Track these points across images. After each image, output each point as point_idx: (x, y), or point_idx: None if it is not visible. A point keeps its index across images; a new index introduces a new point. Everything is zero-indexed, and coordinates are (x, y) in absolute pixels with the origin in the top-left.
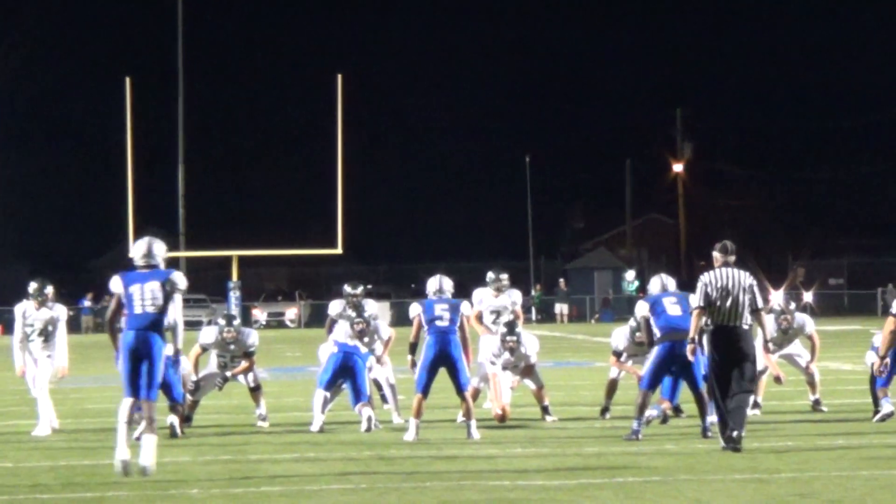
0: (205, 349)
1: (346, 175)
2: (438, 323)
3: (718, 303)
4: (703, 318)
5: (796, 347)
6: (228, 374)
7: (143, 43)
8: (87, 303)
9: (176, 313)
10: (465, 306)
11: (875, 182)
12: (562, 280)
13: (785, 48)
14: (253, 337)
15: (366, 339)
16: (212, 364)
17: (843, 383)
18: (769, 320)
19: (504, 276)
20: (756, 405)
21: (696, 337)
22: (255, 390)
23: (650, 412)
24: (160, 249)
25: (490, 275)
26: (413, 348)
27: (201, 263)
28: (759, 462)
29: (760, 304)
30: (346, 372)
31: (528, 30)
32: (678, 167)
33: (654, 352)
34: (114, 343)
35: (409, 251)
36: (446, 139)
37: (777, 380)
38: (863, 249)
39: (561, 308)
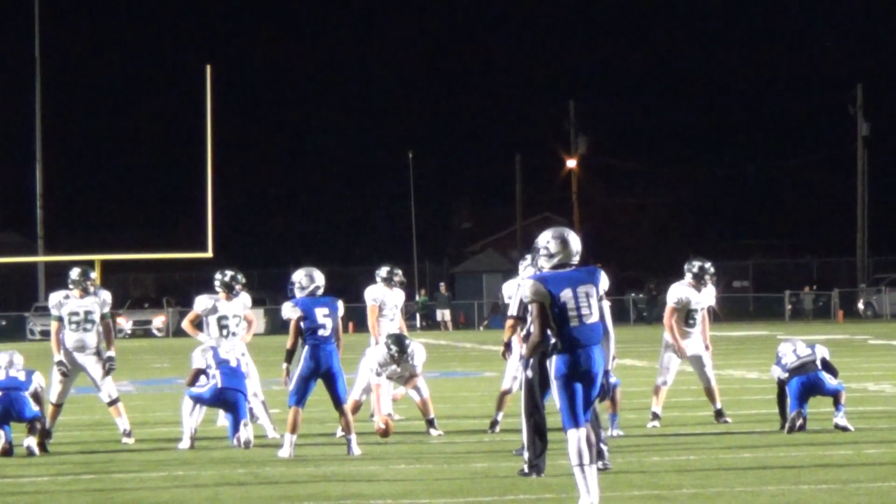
0: (60, 318)
1: (217, 173)
2: (321, 332)
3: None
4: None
5: (700, 347)
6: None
7: None
8: None
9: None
10: (339, 305)
11: (783, 180)
12: (442, 284)
13: (688, 37)
14: (105, 294)
15: (238, 332)
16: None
17: (749, 392)
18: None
19: (399, 272)
20: (655, 417)
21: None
22: (113, 404)
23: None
24: (577, 244)
25: (385, 270)
26: (290, 356)
27: (61, 268)
28: (658, 478)
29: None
30: (227, 407)
31: (409, 16)
32: (572, 163)
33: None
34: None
35: (284, 254)
36: (324, 135)
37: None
38: (769, 250)
39: (443, 314)
